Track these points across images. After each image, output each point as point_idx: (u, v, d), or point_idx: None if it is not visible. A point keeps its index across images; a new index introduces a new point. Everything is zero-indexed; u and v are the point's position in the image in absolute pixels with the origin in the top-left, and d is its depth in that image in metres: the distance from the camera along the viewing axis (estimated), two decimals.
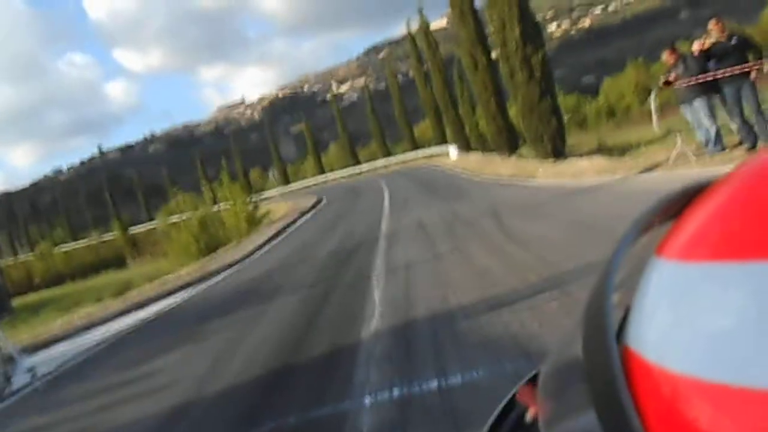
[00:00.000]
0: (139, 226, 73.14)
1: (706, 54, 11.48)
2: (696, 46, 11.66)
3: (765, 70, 11.42)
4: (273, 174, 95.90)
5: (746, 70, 11.01)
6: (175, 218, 32.91)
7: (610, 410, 0.42)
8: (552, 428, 0.55)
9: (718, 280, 0.40)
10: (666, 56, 12.30)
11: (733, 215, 0.44)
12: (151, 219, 69.79)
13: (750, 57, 11.10)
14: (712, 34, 11.51)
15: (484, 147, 35.70)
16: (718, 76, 11.19)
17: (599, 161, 15.37)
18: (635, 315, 0.46)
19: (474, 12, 28.50)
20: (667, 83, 12.24)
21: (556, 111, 19.61)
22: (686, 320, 0.41)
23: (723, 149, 11.51)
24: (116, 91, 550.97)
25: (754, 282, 0.38)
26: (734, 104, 11.25)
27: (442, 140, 49.53)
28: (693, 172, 10.59)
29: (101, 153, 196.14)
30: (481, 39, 28.38)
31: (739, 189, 0.45)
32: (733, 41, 11.29)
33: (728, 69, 11.06)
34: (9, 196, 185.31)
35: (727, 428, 0.36)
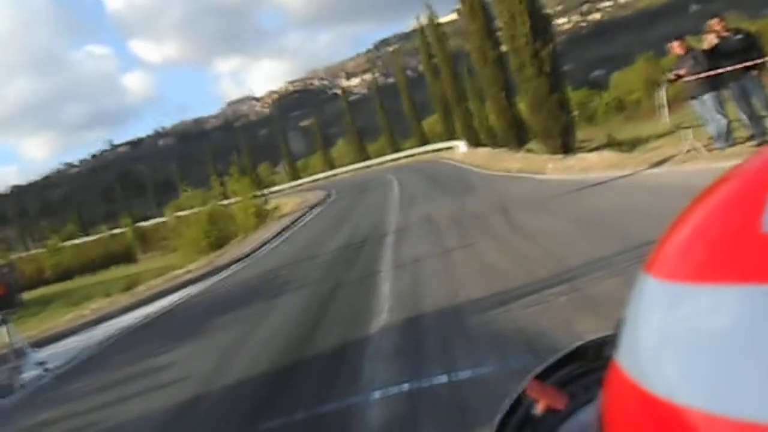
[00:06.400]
0: (149, 221, 73.18)
1: (713, 51, 11.48)
2: (707, 44, 11.66)
3: None
4: (282, 169, 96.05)
5: (749, 66, 11.00)
6: (184, 213, 32.99)
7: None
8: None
9: (695, 304, 0.41)
10: (676, 47, 12.26)
11: (713, 236, 0.44)
12: (161, 214, 69.92)
13: (753, 54, 11.09)
14: (715, 31, 11.52)
15: (493, 142, 35.59)
16: (724, 71, 11.17)
17: (608, 156, 15.32)
18: (623, 330, 0.46)
19: (483, 6, 28.45)
20: (678, 77, 12.18)
21: (565, 105, 19.58)
22: (664, 342, 0.42)
23: (733, 144, 11.46)
24: (133, 82, 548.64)
25: (731, 306, 0.38)
26: (740, 100, 11.25)
27: (451, 135, 49.36)
28: (702, 166, 10.55)
29: (112, 147, 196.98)
30: (490, 33, 28.30)
31: (723, 205, 0.45)
32: (738, 38, 11.30)
33: (732, 66, 11.06)
34: (20, 190, 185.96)
35: None
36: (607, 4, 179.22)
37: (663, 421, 0.39)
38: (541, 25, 18.99)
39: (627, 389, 0.42)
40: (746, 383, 0.35)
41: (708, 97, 11.58)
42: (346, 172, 67.54)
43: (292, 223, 25.12)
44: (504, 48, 24.72)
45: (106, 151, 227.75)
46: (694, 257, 0.43)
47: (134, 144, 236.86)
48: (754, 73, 11.07)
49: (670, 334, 0.42)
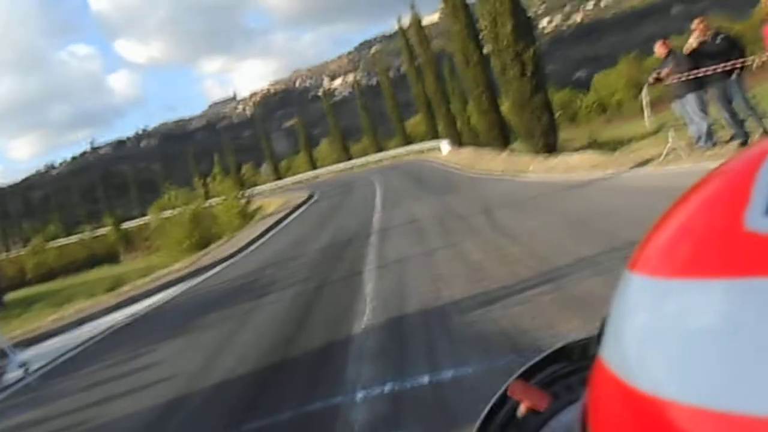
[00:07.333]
0: (132, 221, 72.76)
1: (695, 52, 11.56)
2: (689, 46, 11.74)
3: (756, 65, 11.47)
4: (265, 169, 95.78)
5: (730, 68, 11.07)
6: (167, 213, 32.87)
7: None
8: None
9: (680, 298, 0.41)
10: (658, 47, 12.33)
11: (697, 232, 0.44)
12: (144, 214, 69.59)
13: (734, 55, 11.17)
14: (697, 33, 11.59)
15: (477, 142, 35.65)
16: (708, 73, 11.25)
17: (591, 157, 15.39)
18: (608, 328, 0.46)
19: (466, 7, 28.51)
20: (658, 80, 12.27)
21: (547, 106, 19.65)
22: (649, 338, 0.42)
23: (715, 144, 11.54)
24: (118, 83, 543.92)
25: (716, 300, 0.38)
26: (721, 101, 11.32)
27: (435, 135, 49.43)
28: (685, 167, 10.61)
29: (94, 148, 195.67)
30: (473, 34, 28.34)
31: (707, 202, 0.45)
32: (719, 40, 11.37)
33: (713, 67, 11.13)
34: (1, 192, 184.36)
35: None
36: (589, 5, 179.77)
37: (649, 416, 0.39)
38: (524, 27, 19.04)
39: (612, 386, 0.42)
40: (732, 376, 0.35)
41: (690, 98, 11.64)
42: (330, 172, 67.35)
43: (276, 223, 25.05)
44: (487, 49, 24.74)
45: (88, 152, 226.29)
46: (678, 253, 0.43)
47: (117, 145, 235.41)
48: (736, 74, 11.15)
49: (655, 329, 0.42)
